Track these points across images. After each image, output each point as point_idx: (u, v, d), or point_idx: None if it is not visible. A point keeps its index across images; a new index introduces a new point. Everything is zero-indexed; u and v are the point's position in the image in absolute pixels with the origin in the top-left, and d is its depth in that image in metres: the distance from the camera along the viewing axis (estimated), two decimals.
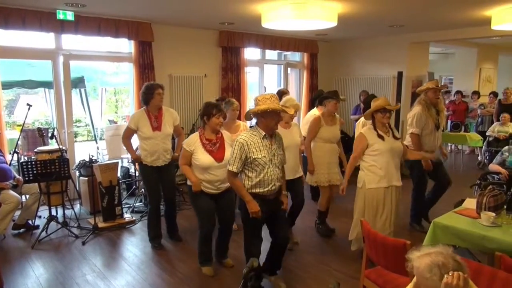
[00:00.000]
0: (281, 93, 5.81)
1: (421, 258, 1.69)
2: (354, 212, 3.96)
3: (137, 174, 6.11)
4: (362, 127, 4.61)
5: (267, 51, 8.19)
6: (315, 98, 4.96)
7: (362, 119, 4.90)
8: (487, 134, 8.00)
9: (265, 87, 8.39)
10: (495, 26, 5.39)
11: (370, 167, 3.76)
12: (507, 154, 4.74)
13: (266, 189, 3.12)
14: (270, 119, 3.06)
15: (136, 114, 4.30)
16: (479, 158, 8.75)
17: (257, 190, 3.12)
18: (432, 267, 1.64)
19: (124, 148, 6.04)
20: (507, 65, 12.12)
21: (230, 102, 4.47)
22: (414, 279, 1.82)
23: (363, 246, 3.78)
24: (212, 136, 3.60)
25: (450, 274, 1.58)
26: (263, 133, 3.09)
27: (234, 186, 3.19)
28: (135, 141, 4.46)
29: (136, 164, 4.68)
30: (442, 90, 4.67)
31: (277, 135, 3.25)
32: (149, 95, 4.16)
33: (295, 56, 8.94)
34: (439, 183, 4.82)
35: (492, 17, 5.44)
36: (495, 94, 9.16)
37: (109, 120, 11.60)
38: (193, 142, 3.57)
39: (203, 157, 3.52)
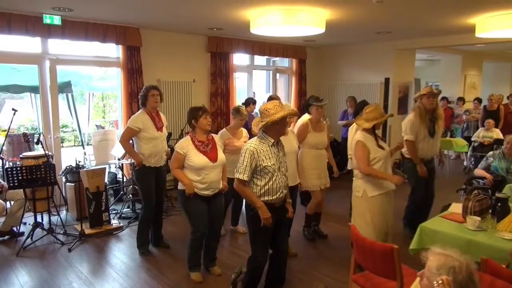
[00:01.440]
0: (272, 100, 5.84)
1: (438, 255, 1.70)
2: (355, 222, 3.71)
3: (124, 180, 6.06)
4: (355, 131, 4.61)
5: (256, 57, 8.22)
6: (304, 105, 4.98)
7: (354, 124, 4.91)
8: (472, 139, 8.12)
9: (254, 93, 8.41)
10: (479, 33, 5.50)
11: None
12: (491, 159, 4.83)
13: (275, 196, 3.10)
14: (282, 125, 3.08)
15: (139, 115, 4.22)
16: (465, 163, 8.87)
17: (266, 198, 3.08)
18: (442, 267, 1.64)
19: (112, 154, 6.04)
20: (491, 72, 12.37)
21: (240, 112, 4.55)
22: (417, 280, 1.84)
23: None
24: (203, 138, 3.65)
25: (440, 281, 1.59)
26: (272, 141, 3.07)
27: (244, 194, 3.13)
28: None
29: (129, 168, 4.63)
30: (439, 96, 4.65)
31: (280, 142, 3.24)
32: (143, 98, 4.22)
33: (283, 62, 8.99)
34: (426, 194, 4.75)
35: (476, 25, 5.55)
36: (479, 100, 9.33)
37: (96, 125, 11.49)
38: (185, 145, 3.58)
39: (197, 158, 3.55)
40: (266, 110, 3.05)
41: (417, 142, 4.54)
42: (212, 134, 3.78)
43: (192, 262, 3.81)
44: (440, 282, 1.59)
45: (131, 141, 4.28)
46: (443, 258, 1.68)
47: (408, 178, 4.75)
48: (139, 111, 4.29)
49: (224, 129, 4.71)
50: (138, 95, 4.43)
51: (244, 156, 3.02)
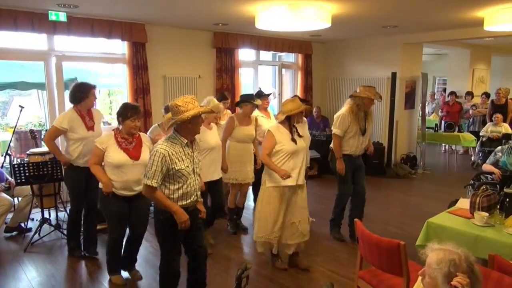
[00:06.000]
0: (223, 96, 5.71)
1: (437, 251, 1.71)
2: (255, 210, 3.91)
3: None
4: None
5: (262, 52, 8.18)
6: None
7: None
8: (480, 134, 8.04)
9: (260, 88, 8.37)
10: (488, 27, 5.43)
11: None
12: (500, 154, 4.77)
13: (189, 200, 2.82)
14: (196, 124, 2.74)
15: (68, 114, 3.94)
16: (473, 158, 8.80)
17: (180, 203, 2.78)
18: (442, 261, 1.66)
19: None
20: (500, 66, 12.20)
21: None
22: (419, 279, 1.83)
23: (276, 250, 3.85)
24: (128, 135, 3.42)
25: (459, 278, 1.59)
26: (185, 141, 2.75)
27: (155, 200, 2.78)
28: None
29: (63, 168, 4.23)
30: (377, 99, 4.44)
31: (195, 140, 2.92)
32: (83, 94, 3.92)
33: (289, 57, 8.94)
34: (355, 189, 4.57)
35: (484, 18, 5.47)
36: (487, 94, 9.23)
37: (103, 121, 11.52)
38: (106, 140, 3.38)
39: (116, 155, 3.32)
40: (176, 107, 2.67)
41: (348, 138, 4.41)
42: (140, 133, 3.52)
43: (112, 265, 3.60)
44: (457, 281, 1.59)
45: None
46: (441, 253, 1.68)
47: (335, 176, 4.57)
48: (68, 109, 4.02)
49: (155, 125, 4.47)
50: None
51: (154, 160, 2.65)
